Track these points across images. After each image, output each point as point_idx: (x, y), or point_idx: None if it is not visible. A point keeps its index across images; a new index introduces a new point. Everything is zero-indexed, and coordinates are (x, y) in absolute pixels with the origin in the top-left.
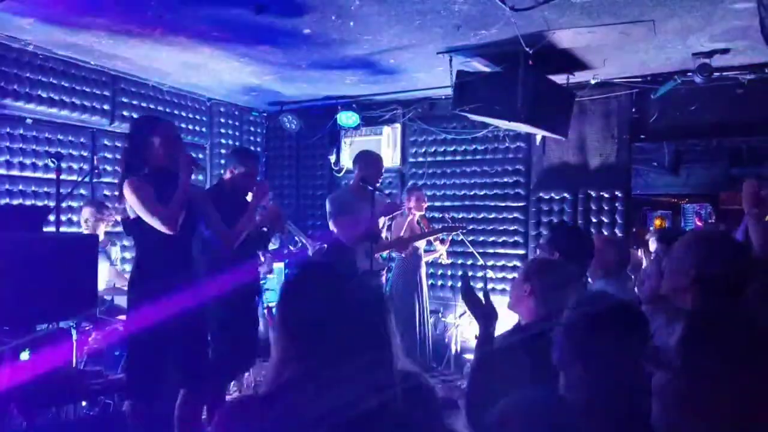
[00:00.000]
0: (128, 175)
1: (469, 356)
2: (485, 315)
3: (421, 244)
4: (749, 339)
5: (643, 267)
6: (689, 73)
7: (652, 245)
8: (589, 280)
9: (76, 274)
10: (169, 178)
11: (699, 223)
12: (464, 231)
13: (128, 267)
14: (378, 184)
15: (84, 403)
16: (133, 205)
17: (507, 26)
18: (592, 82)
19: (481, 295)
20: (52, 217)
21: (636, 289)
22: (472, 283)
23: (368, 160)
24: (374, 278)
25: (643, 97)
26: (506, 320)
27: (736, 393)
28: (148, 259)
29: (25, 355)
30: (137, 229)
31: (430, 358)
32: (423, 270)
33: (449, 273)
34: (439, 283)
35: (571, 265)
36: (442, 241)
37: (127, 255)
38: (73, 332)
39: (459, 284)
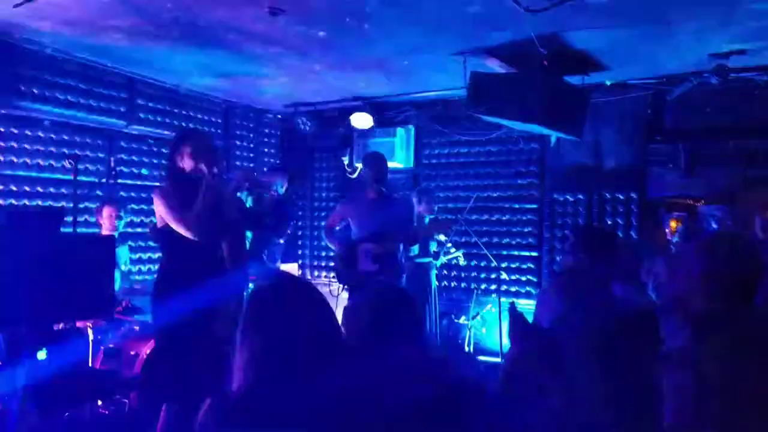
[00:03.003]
0: (159, 185)
1: (483, 358)
2: (524, 335)
3: (432, 246)
4: (758, 341)
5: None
6: (705, 75)
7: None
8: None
9: (93, 275)
10: (197, 187)
11: (714, 225)
12: (456, 222)
13: (134, 268)
14: (376, 184)
15: (100, 402)
16: (161, 213)
17: (521, 27)
18: (607, 83)
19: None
20: (69, 218)
21: (652, 293)
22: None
23: (368, 161)
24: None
25: (658, 98)
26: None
27: (746, 395)
28: (174, 268)
29: (42, 354)
30: (165, 238)
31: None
32: (433, 272)
33: (462, 275)
34: (453, 284)
35: (596, 267)
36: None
37: (133, 256)
38: (90, 332)
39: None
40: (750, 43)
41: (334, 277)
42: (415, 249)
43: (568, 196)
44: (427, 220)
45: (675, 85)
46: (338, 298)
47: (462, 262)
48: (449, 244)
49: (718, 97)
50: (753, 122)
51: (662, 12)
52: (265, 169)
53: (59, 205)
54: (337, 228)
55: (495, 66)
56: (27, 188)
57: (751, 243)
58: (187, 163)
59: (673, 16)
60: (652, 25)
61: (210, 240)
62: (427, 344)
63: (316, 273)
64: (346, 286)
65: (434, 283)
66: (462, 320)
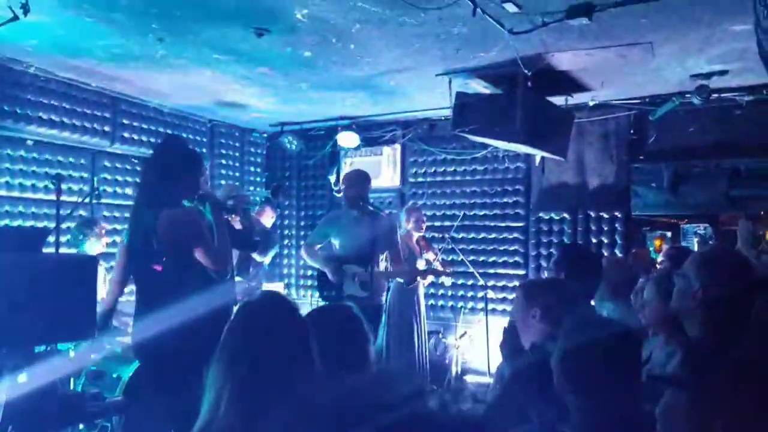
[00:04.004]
0: (184, 207)
1: (470, 378)
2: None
3: (420, 264)
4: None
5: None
6: (687, 95)
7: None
8: (592, 302)
9: (76, 296)
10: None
11: (696, 246)
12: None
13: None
14: (359, 202)
15: (81, 426)
16: (183, 237)
17: (506, 49)
18: (591, 103)
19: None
20: (51, 238)
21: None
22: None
23: (350, 179)
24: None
25: (641, 118)
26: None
27: (739, 417)
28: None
29: (22, 377)
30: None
31: (428, 379)
32: (421, 291)
33: (449, 294)
34: (440, 303)
35: (577, 285)
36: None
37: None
38: (72, 354)
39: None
40: (731, 63)
41: (318, 296)
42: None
43: (553, 215)
44: (414, 237)
45: (657, 105)
46: None
47: (448, 283)
48: (437, 263)
49: (700, 117)
50: (735, 142)
51: (643, 34)
52: (251, 188)
53: (41, 225)
54: (318, 247)
55: (480, 86)
56: (8, 208)
57: (747, 260)
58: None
59: (654, 38)
60: (634, 47)
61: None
62: (377, 372)
63: (302, 293)
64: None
65: (422, 302)
66: (449, 339)
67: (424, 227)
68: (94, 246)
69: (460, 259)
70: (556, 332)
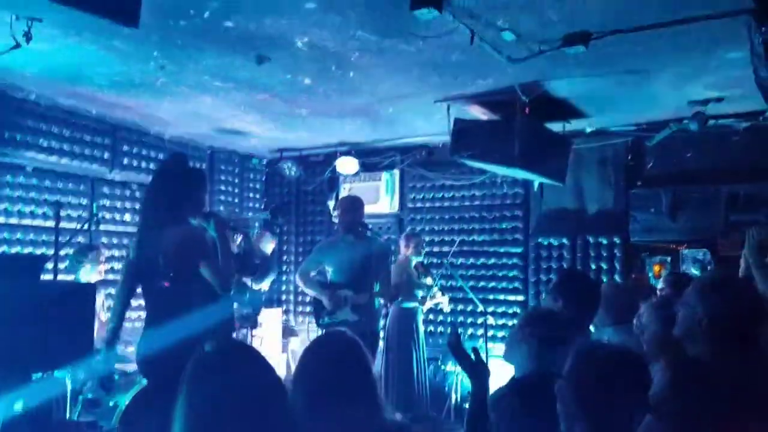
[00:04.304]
0: (193, 227)
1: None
2: (475, 372)
3: (419, 291)
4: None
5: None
6: (684, 121)
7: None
8: (591, 328)
9: (73, 323)
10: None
11: (695, 272)
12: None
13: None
14: (358, 228)
15: None
16: (195, 255)
17: (503, 76)
18: (588, 130)
19: (471, 350)
20: (50, 265)
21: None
22: (465, 337)
23: (345, 205)
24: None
25: (639, 144)
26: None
27: None
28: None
29: (18, 405)
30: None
31: (428, 407)
32: (420, 317)
33: (449, 320)
34: (439, 330)
35: (574, 312)
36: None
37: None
38: (68, 382)
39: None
40: (727, 90)
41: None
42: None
43: (552, 240)
44: (413, 262)
45: (655, 131)
46: None
47: (447, 309)
48: (435, 289)
49: (698, 143)
50: (733, 167)
51: (639, 61)
52: (249, 214)
53: (40, 251)
54: (312, 274)
55: (478, 112)
56: (6, 235)
57: (749, 283)
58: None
59: (650, 65)
60: (630, 74)
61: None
62: (381, 406)
63: (300, 319)
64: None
65: (421, 328)
66: (449, 366)
67: (423, 252)
68: (90, 273)
69: (459, 284)
70: (535, 365)
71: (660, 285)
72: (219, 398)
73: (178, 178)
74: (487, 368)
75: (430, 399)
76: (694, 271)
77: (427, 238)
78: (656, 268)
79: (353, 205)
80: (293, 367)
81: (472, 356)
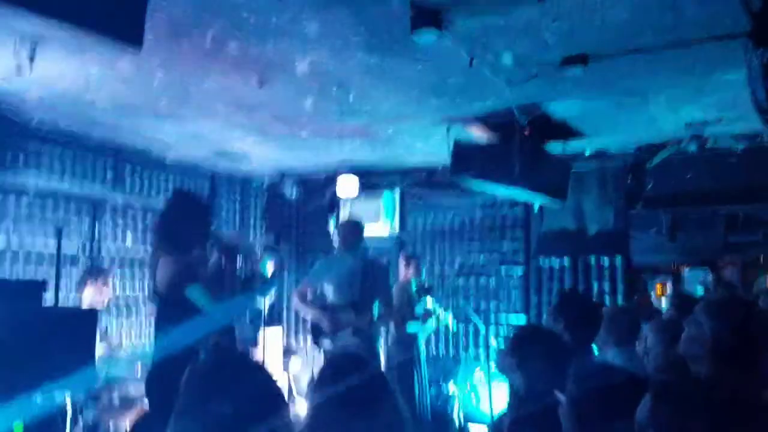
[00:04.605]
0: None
1: (474, 427)
2: None
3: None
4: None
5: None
6: (683, 143)
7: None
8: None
9: (74, 350)
10: None
11: (700, 292)
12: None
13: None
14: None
15: None
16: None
17: (502, 98)
18: (587, 152)
19: None
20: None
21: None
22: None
23: (344, 228)
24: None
25: (638, 165)
26: None
27: None
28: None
29: (18, 429)
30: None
31: (431, 430)
32: (421, 339)
33: (450, 341)
34: (441, 351)
35: (574, 332)
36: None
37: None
38: (69, 406)
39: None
40: (725, 112)
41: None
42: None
43: (552, 261)
44: (414, 285)
45: (654, 153)
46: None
47: (452, 326)
48: (438, 310)
49: (697, 164)
50: (732, 188)
51: (637, 83)
52: (251, 236)
53: (41, 276)
54: (309, 298)
55: (478, 134)
56: (8, 259)
57: (755, 306)
58: None
59: (648, 87)
60: (628, 96)
61: None
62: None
63: (300, 337)
64: (323, 351)
65: (422, 348)
66: (451, 387)
67: (423, 273)
68: (92, 295)
69: (461, 305)
70: (528, 384)
71: (665, 307)
72: (212, 408)
73: (183, 214)
74: None
75: (431, 422)
76: (699, 291)
77: (428, 259)
78: (658, 288)
79: (352, 227)
80: (293, 386)
81: None
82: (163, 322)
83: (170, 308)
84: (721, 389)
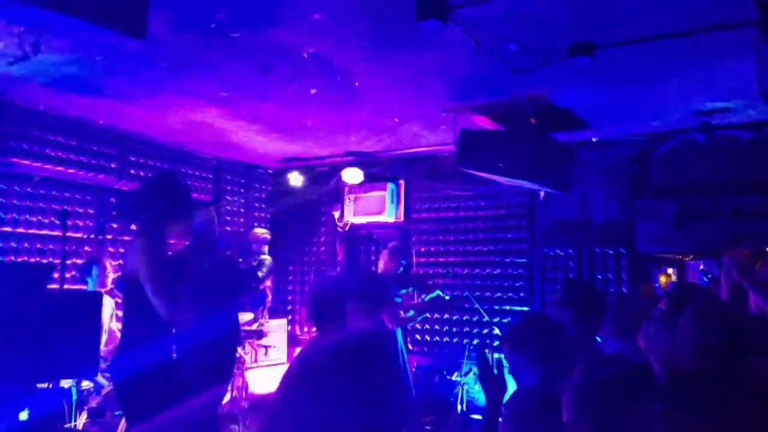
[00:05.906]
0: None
1: (476, 416)
2: (492, 385)
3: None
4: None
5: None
6: (690, 132)
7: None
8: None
9: (79, 333)
10: None
11: (706, 280)
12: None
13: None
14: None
15: None
16: None
17: (508, 86)
18: (594, 140)
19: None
20: (56, 275)
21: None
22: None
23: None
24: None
25: (644, 154)
26: None
27: None
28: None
29: (23, 415)
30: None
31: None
32: (399, 337)
33: (454, 330)
34: (444, 339)
35: (580, 322)
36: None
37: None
38: (74, 391)
39: (473, 351)
40: (733, 101)
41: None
42: None
43: (557, 251)
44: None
45: (661, 142)
46: None
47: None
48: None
49: (704, 154)
50: (739, 178)
51: (644, 72)
52: (255, 224)
53: (47, 261)
54: None
55: (484, 123)
56: (14, 244)
57: (743, 316)
58: None
59: (655, 76)
60: (635, 85)
61: None
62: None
63: (305, 328)
64: None
65: (399, 338)
66: (454, 377)
67: (401, 263)
68: (95, 287)
69: (465, 294)
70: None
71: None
72: None
73: (152, 195)
74: (506, 384)
75: (433, 409)
76: (705, 283)
77: (432, 249)
78: (662, 278)
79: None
80: None
81: (495, 370)
82: (130, 309)
83: (136, 294)
84: (727, 380)
